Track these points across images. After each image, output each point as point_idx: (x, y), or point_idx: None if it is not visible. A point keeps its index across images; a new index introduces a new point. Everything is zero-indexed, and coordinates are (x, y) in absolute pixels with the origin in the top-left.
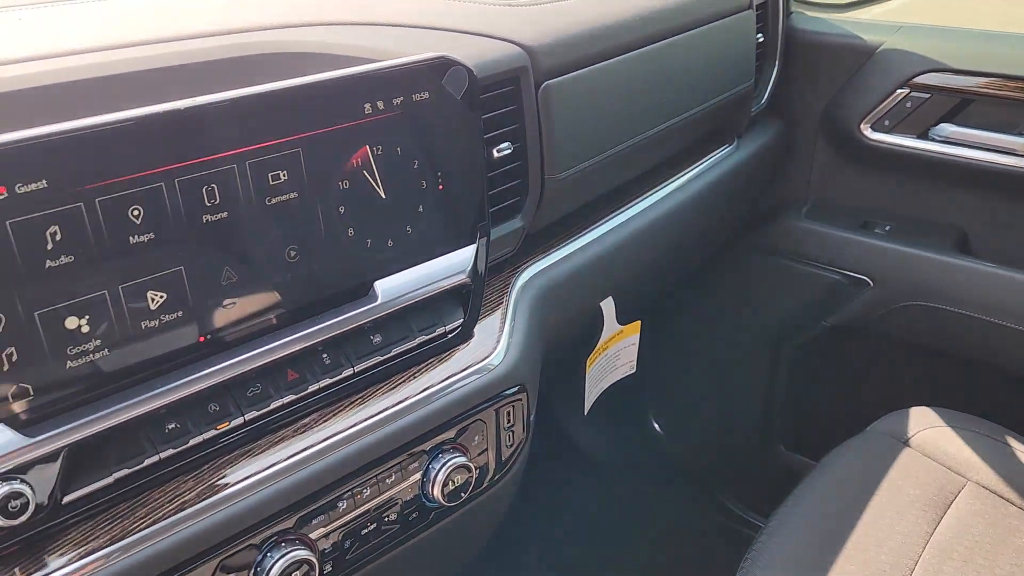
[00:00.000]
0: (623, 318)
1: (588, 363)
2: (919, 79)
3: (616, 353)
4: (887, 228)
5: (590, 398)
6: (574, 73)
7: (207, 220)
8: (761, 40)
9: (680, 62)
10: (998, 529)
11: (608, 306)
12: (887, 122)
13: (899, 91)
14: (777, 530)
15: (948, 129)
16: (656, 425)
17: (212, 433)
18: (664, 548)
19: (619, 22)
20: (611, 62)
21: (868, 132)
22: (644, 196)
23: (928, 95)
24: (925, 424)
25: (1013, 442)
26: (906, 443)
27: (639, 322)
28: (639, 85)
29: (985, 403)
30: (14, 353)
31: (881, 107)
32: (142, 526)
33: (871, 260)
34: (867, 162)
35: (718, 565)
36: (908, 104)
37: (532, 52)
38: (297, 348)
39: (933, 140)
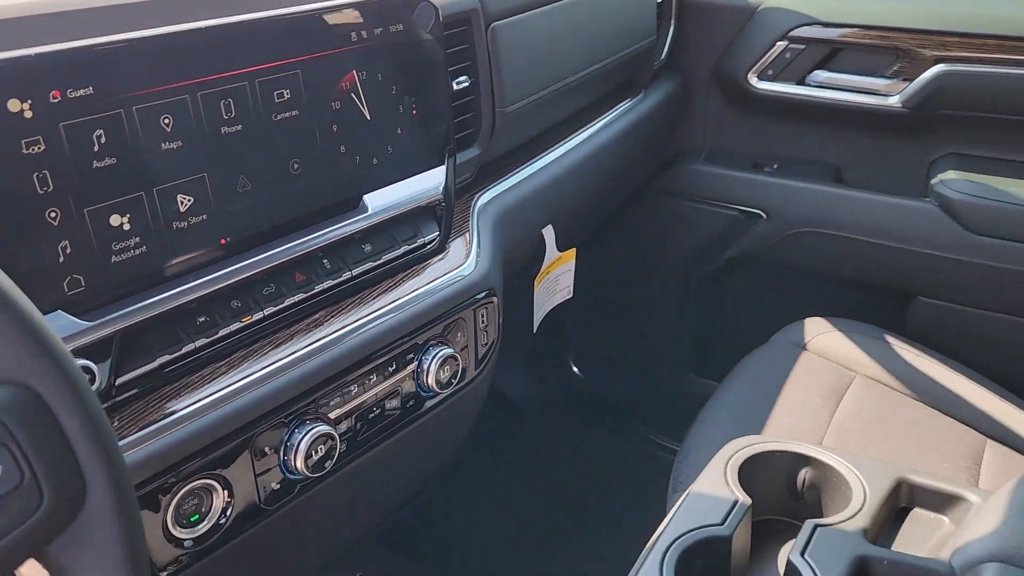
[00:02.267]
0: (561, 247)
1: (536, 282)
2: (795, 32)
3: (556, 278)
4: (775, 167)
5: (538, 316)
6: (517, 16)
7: (225, 132)
8: (660, 1)
9: (599, 15)
10: (883, 410)
11: (549, 233)
12: (770, 72)
13: (779, 44)
14: (695, 443)
15: (822, 75)
16: (575, 368)
17: (238, 325)
18: (593, 484)
19: None
20: (546, 8)
21: (755, 82)
22: (573, 135)
23: (803, 46)
24: (819, 331)
25: (890, 339)
26: (804, 348)
27: (574, 249)
28: (567, 31)
29: (866, 310)
30: (68, 246)
31: (764, 59)
32: (186, 405)
33: (763, 195)
34: (755, 109)
35: (647, 492)
36: (787, 55)
37: None
38: (302, 252)
39: (809, 86)
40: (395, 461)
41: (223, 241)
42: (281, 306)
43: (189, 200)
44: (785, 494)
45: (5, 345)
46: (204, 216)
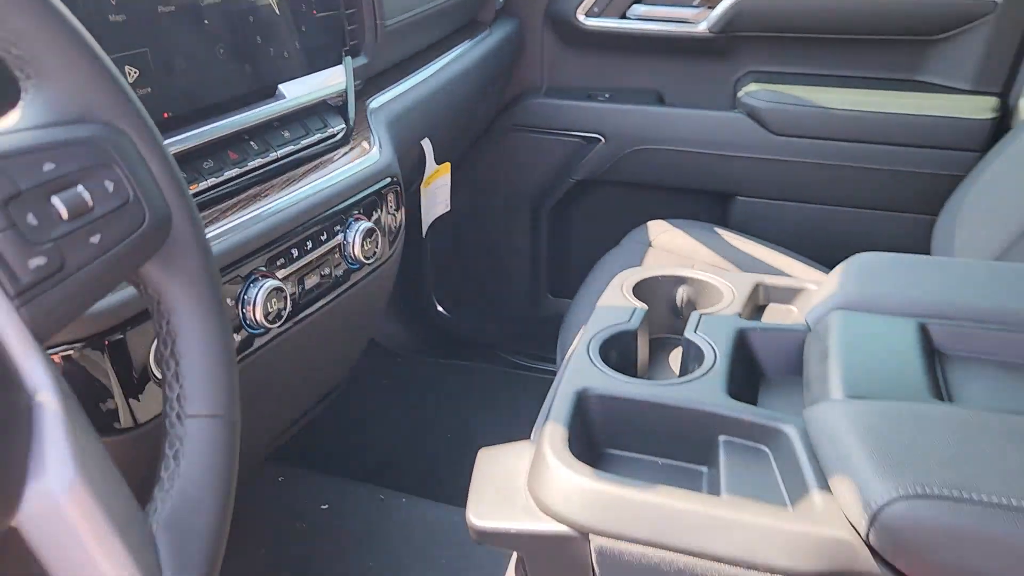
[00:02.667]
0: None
1: (423, 186)
2: None
3: (435, 190)
4: (607, 96)
5: (426, 221)
6: None
7: (161, 11)
8: None
9: None
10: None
11: (427, 144)
12: (596, 9)
13: None
14: (569, 339)
15: (640, 9)
16: (441, 308)
17: None
18: (469, 413)
19: None
20: None
21: (583, 19)
22: (438, 59)
23: None
24: (661, 230)
25: (720, 232)
26: (650, 245)
27: (449, 164)
28: None
29: (698, 211)
30: None
31: None
32: None
33: (599, 121)
34: (585, 45)
35: (526, 412)
36: None
37: None
38: (231, 131)
39: (630, 19)
40: (330, 332)
41: (165, 115)
42: (221, 179)
43: (136, 72)
44: (668, 313)
45: (104, 94)
46: (149, 89)
